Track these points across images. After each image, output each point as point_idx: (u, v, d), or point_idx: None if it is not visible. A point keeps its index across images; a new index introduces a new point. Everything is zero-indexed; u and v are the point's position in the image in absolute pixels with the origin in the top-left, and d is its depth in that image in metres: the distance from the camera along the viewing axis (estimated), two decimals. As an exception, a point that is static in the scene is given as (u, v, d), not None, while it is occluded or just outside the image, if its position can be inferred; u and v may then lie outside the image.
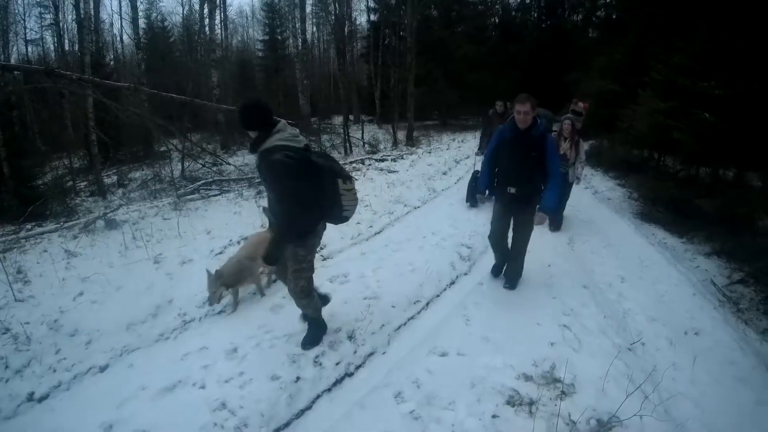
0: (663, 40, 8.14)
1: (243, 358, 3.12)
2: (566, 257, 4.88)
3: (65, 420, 2.71)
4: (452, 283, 4.36)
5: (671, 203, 6.34)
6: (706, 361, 3.04)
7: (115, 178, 12.70)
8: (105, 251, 5.71)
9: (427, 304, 3.92)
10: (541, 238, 5.40)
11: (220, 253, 5.30)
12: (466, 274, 4.59)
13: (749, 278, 4.42)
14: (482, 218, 6.09)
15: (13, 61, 17.01)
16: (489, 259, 4.84)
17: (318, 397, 2.77)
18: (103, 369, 3.24)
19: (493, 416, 2.51)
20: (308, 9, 22.67)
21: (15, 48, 23.36)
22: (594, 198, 7.70)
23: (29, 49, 24.07)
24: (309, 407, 2.69)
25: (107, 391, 2.95)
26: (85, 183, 12.38)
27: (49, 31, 24.22)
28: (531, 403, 2.59)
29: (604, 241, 5.36)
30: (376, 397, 2.71)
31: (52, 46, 24.87)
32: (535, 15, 24.30)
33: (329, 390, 2.83)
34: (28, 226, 8.09)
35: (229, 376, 2.94)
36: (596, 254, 4.97)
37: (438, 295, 4.08)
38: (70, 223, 7.58)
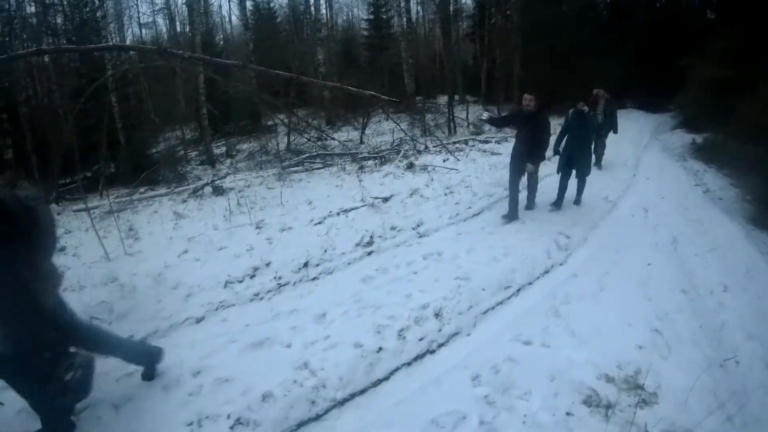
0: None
1: (330, 323, 3.31)
2: (668, 257, 4.55)
3: (157, 362, 2.97)
4: (546, 272, 4.24)
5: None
6: (804, 390, 2.70)
7: (223, 148, 13.77)
8: (211, 215, 6.25)
9: (518, 290, 3.86)
10: (641, 234, 5.10)
11: (319, 223, 5.58)
12: (561, 264, 4.43)
13: None
14: (584, 208, 5.90)
15: (128, 43, 18.72)
16: (587, 251, 4.69)
17: (397, 369, 2.86)
18: (198, 321, 3.54)
19: (567, 413, 2.45)
20: (413, -12, 22.54)
21: (130, 31, 25.49)
22: (704, 196, 7.03)
23: (143, 31, 26.27)
24: (386, 378, 2.80)
25: (200, 341, 3.21)
26: (195, 153, 13.53)
27: (161, 14, 26.31)
28: (608, 406, 2.49)
29: (710, 244, 4.90)
30: (454, 377, 2.75)
31: (164, 28, 27.00)
32: (649, -8, 22.08)
33: (409, 364, 2.91)
34: (141, 190, 9.04)
35: (314, 339, 3.12)
36: (700, 257, 4.56)
37: (530, 283, 4.00)
38: (180, 189, 8.37)
